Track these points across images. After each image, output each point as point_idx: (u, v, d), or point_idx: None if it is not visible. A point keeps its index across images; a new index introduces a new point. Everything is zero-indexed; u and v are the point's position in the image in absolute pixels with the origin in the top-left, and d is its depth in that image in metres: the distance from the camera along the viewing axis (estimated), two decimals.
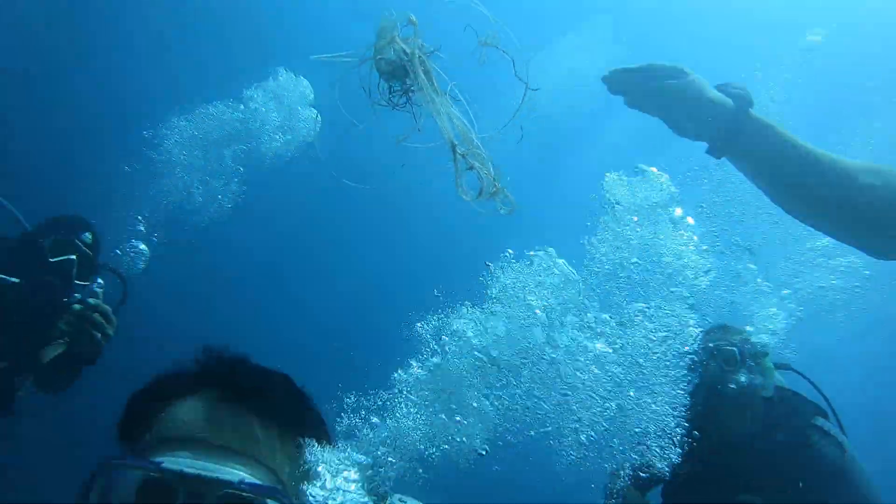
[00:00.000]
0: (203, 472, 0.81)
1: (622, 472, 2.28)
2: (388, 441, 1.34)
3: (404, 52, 1.00)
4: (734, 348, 2.55)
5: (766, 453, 2.44)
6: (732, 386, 2.47)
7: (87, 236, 3.18)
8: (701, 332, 2.48)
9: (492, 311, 1.74)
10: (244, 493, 0.81)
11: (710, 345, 2.57)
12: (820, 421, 2.49)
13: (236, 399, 0.94)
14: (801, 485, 2.36)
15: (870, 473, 2.41)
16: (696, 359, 2.27)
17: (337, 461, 1.05)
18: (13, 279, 2.93)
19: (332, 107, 1.16)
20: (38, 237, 3.11)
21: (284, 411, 0.98)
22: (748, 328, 2.83)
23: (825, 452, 2.38)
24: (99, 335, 2.92)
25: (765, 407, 2.51)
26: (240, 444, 0.88)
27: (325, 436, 1.05)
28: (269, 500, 0.83)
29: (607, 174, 2.07)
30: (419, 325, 1.71)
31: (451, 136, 0.99)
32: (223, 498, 0.81)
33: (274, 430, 0.94)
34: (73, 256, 3.11)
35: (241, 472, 0.85)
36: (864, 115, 6.65)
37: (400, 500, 1.21)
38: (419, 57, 1.00)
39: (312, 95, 5.76)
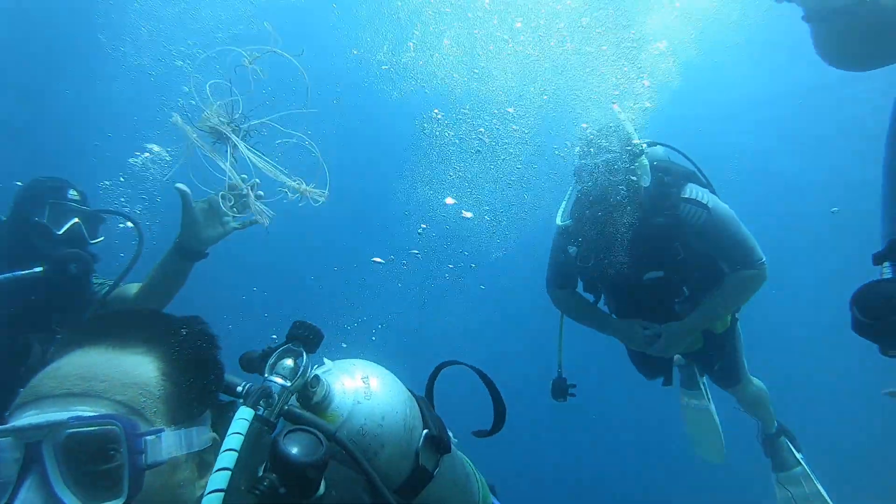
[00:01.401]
0: (34, 421, 0.83)
1: None
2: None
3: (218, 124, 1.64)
4: (613, 157, 2.81)
5: (651, 236, 2.90)
6: (619, 195, 2.80)
7: (73, 193, 2.86)
8: (581, 140, 2.92)
9: None
10: (81, 429, 0.82)
11: (589, 161, 2.84)
12: (687, 190, 2.87)
13: (87, 343, 0.95)
14: (682, 252, 2.95)
15: (733, 215, 2.91)
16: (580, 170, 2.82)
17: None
18: (35, 269, 2.56)
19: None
20: (27, 216, 2.75)
21: (143, 343, 0.97)
22: (620, 118, 2.99)
23: (694, 220, 2.86)
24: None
25: (643, 195, 2.83)
26: (82, 387, 0.88)
27: (216, 370, 1.05)
28: (113, 428, 0.83)
29: None
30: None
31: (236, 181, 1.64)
32: (69, 441, 0.82)
33: (128, 366, 0.93)
34: (76, 219, 2.82)
35: (80, 411, 0.85)
36: None
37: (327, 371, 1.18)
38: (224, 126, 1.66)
39: None
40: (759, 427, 3.87)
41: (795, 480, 3.61)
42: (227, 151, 1.73)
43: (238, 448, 0.88)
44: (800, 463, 3.64)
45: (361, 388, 1.14)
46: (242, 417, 0.92)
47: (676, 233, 2.92)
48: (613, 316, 3.39)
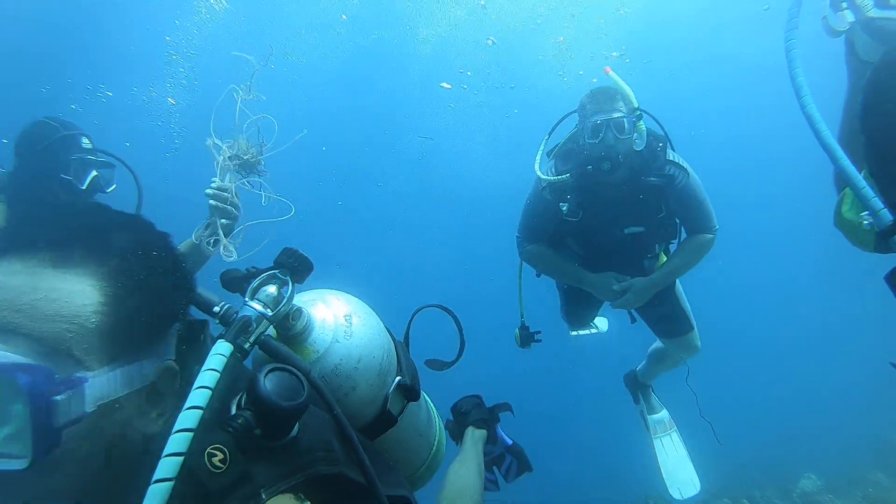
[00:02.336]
0: None
1: None
2: None
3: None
4: (624, 117, 2.94)
5: (642, 193, 3.11)
6: (629, 151, 2.97)
7: (86, 141, 2.78)
8: (583, 98, 3.03)
9: None
10: None
11: (600, 117, 2.94)
12: (670, 154, 3.07)
13: (10, 257, 0.78)
14: (664, 210, 3.19)
15: (700, 183, 3.16)
16: (591, 126, 2.92)
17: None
18: None
19: None
20: (50, 171, 2.63)
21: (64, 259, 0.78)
22: (622, 83, 3.14)
23: (678, 181, 3.09)
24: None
25: (636, 157, 3.01)
26: None
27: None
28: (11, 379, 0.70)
29: None
30: None
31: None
32: None
33: (58, 290, 0.76)
34: (95, 172, 2.77)
35: None
36: None
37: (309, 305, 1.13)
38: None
39: None
40: (635, 377, 4.28)
41: (662, 422, 4.16)
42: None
43: (213, 386, 0.81)
44: (664, 408, 4.20)
45: (343, 326, 1.12)
46: (220, 353, 0.85)
47: (664, 192, 3.11)
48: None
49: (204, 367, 0.83)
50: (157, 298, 0.85)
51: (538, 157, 3.30)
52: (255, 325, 0.94)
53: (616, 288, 3.30)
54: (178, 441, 0.75)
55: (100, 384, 0.76)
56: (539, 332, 3.54)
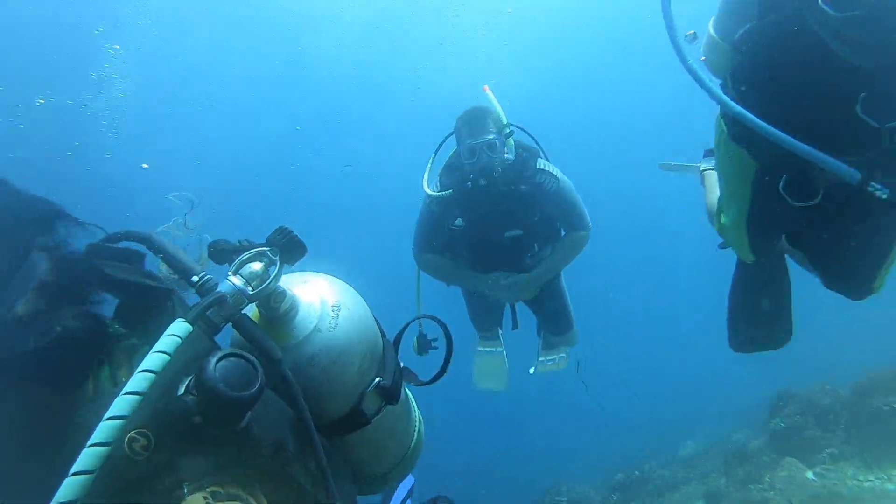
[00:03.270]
0: None
1: None
2: None
3: None
4: (496, 137, 3.38)
5: (515, 201, 3.50)
6: (500, 167, 3.37)
7: None
8: (458, 121, 3.45)
9: None
10: None
11: (474, 141, 3.36)
12: (541, 163, 3.53)
13: None
14: (538, 214, 3.54)
15: (572, 185, 3.59)
16: (468, 148, 3.34)
17: None
18: None
19: None
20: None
21: None
22: (493, 105, 3.57)
23: (548, 187, 3.51)
24: None
25: (509, 167, 3.43)
26: None
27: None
28: None
29: None
30: None
31: None
32: None
33: None
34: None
35: None
36: None
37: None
38: None
39: None
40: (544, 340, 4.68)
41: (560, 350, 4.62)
42: None
43: (159, 370, 0.76)
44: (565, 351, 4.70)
45: (329, 315, 1.04)
46: (174, 334, 0.81)
47: (535, 198, 3.52)
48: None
49: (153, 349, 0.78)
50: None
51: (425, 175, 3.65)
52: (231, 302, 0.90)
53: (504, 283, 3.69)
54: (107, 430, 0.69)
55: None
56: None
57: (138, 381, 0.73)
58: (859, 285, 2.17)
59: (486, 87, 3.65)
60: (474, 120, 3.45)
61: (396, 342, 1.30)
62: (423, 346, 3.80)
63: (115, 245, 0.97)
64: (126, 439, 0.71)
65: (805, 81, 1.58)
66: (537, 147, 3.70)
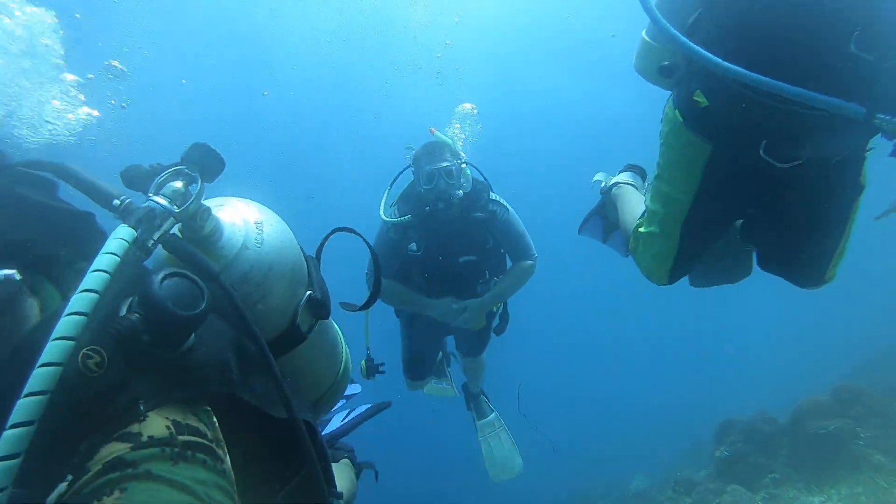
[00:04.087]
0: None
1: None
2: None
3: None
4: (452, 165, 3.55)
5: (470, 227, 3.66)
6: (459, 192, 3.55)
7: None
8: (417, 152, 3.60)
9: None
10: None
11: (432, 167, 3.52)
12: (492, 195, 3.74)
13: None
14: (490, 241, 3.73)
15: (518, 218, 3.81)
16: (426, 173, 3.50)
17: None
18: None
19: None
20: None
21: None
22: (448, 139, 3.82)
23: (500, 216, 3.73)
24: None
25: (465, 197, 3.60)
26: None
27: None
28: None
29: None
30: None
31: None
32: None
33: None
34: None
35: None
36: None
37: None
38: None
39: None
40: (467, 388, 4.98)
41: (490, 424, 4.92)
42: None
43: (112, 271, 0.74)
44: (493, 411, 4.96)
45: (254, 232, 1.03)
46: (121, 237, 0.79)
47: (488, 225, 3.71)
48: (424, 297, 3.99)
49: (101, 251, 0.76)
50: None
51: (382, 204, 3.76)
52: (159, 221, 0.86)
53: (455, 307, 3.80)
54: (56, 350, 0.67)
55: None
56: (383, 364, 3.88)
57: (82, 300, 0.71)
58: (813, 272, 2.12)
59: (433, 129, 3.89)
60: (433, 148, 3.63)
61: (317, 257, 1.29)
62: (371, 370, 3.82)
63: (26, 170, 0.91)
64: (80, 356, 0.69)
65: (790, 23, 1.50)
66: (487, 182, 3.88)
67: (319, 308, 1.12)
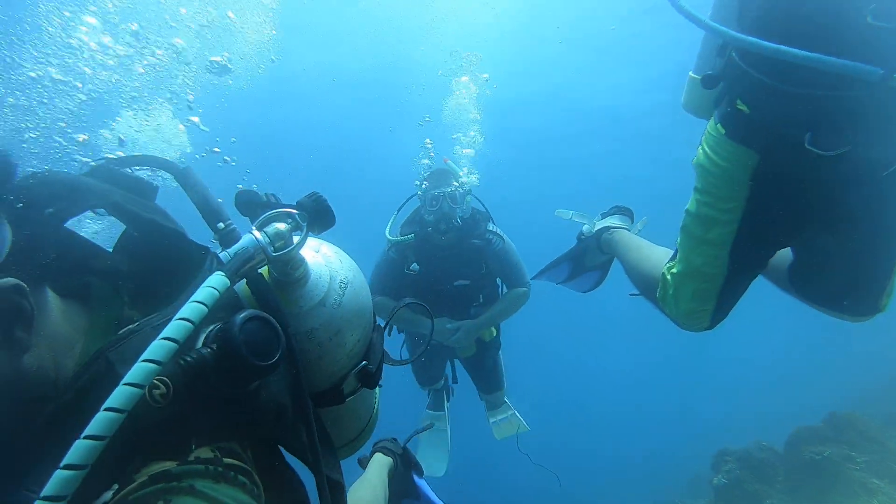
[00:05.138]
0: None
1: None
2: None
3: None
4: (456, 191, 3.79)
5: (466, 252, 3.86)
6: (459, 216, 3.81)
7: None
8: (423, 179, 3.86)
9: None
10: None
11: (437, 191, 3.76)
12: (490, 226, 3.94)
13: None
14: (484, 267, 3.91)
15: (514, 247, 3.99)
16: (431, 196, 3.73)
17: None
18: None
19: None
20: None
21: None
22: (455, 167, 4.09)
23: (496, 245, 3.92)
24: None
25: (464, 223, 3.83)
26: None
27: None
28: None
29: None
30: None
31: None
32: None
33: None
34: None
35: None
36: None
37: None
38: None
39: None
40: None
41: (504, 409, 4.80)
42: None
43: (197, 321, 0.73)
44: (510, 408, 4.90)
45: (336, 292, 1.02)
46: (213, 286, 0.78)
47: (483, 252, 3.93)
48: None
49: (192, 298, 0.75)
50: None
51: (389, 225, 4.01)
52: (251, 256, 0.87)
53: (449, 327, 3.97)
54: (141, 372, 0.67)
55: None
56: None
57: (177, 328, 0.71)
58: (867, 298, 1.92)
59: (447, 159, 4.20)
60: (439, 174, 3.91)
61: (388, 328, 1.28)
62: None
63: (125, 170, 0.92)
64: (148, 385, 0.69)
65: (809, 5, 1.55)
66: (487, 213, 4.12)
67: (368, 380, 1.11)
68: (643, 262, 2.42)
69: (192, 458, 0.70)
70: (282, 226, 0.90)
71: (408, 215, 4.07)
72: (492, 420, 4.79)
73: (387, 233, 3.96)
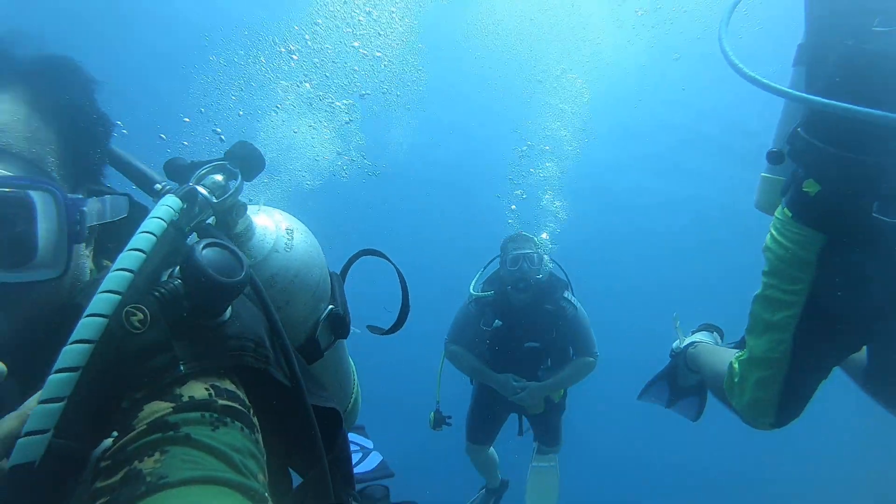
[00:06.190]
0: None
1: None
2: None
3: None
4: (535, 253, 4.08)
5: (539, 315, 4.18)
6: (539, 276, 4.09)
7: None
8: (505, 240, 4.16)
9: None
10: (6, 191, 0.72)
11: (519, 251, 4.06)
12: (567, 293, 4.18)
13: None
14: (555, 333, 4.09)
15: (587, 317, 4.23)
16: (512, 257, 4.02)
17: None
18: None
19: None
20: None
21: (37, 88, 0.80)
22: (535, 236, 4.32)
23: (568, 312, 4.18)
24: None
25: (540, 285, 4.07)
26: None
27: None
28: (31, 192, 0.74)
29: None
30: None
31: None
32: None
33: (25, 115, 0.78)
34: None
35: None
36: None
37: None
38: None
39: None
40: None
41: (550, 458, 5.02)
42: None
43: (158, 233, 0.76)
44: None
45: (284, 237, 1.05)
46: (168, 204, 0.81)
47: (555, 318, 4.17)
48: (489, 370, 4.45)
49: (150, 215, 0.78)
50: (93, 130, 0.88)
51: (473, 282, 4.36)
52: (197, 209, 0.88)
53: (516, 385, 4.19)
54: (102, 302, 0.68)
55: (88, 207, 0.82)
56: (450, 417, 4.39)
57: (128, 258, 0.73)
58: None
59: (523, 232, 4.50)
60: (520, 238, 4.25)
61: (343, 275, 1.28)
62: (439, 421, 4.36)
63: None
64: (123, 312, 0.71)
65: (869, 76, 1.59)
66: (567, 281, 4.37)
67: (340, 324, 1.12)
68: (717, 364, 2.31)
69: (186, 398, 0.71)
70: (218, 176, 0.94)
71: (491, 274, 4.40)
72: (534, 463, 5.03)
73: (471, 288, 4.31)
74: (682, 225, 15.45)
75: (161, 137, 8.20)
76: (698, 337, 2.80)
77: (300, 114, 7.47)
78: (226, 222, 0.96)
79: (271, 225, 1.06)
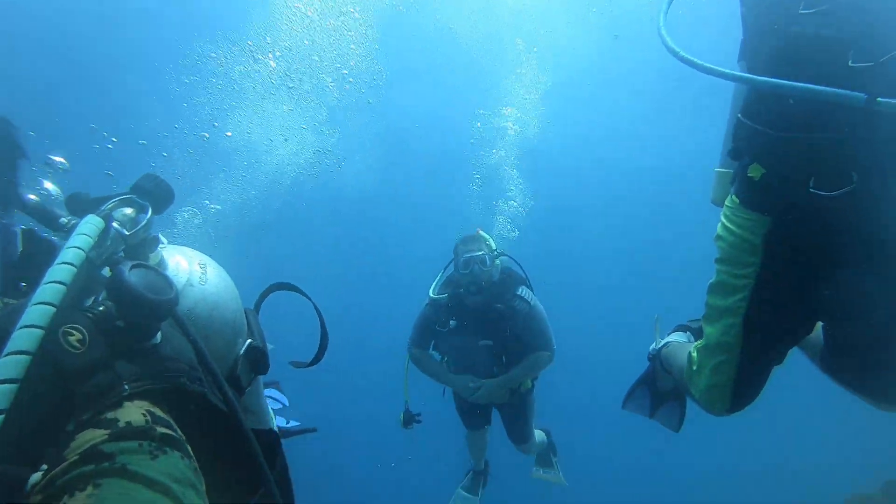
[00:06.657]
0: None
1: None
2: None
3: None
4: (486, 255, 4.06)
5: (491, 315, 4.16)
6: (488, 279, 4.05)
7: None
8: (457, 243, 4.14)
9: None
10: None
11: (469, 255, 4.03)
12: (520, 290, 4.18)
13: None
14: (509, 331, 4.19)
15: (544, 312, 4.24)
16: (463, 260, 4.00)
17: None
18: None
19: None
20: None
21: None
22: (487, 236, 4.32)
23: (520, 310, 4.15)
24: None
25: (493, 285, 4.10)
26: None
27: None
28: None
29: None
30: None
31: None
32: None
33: None
34: None
35: None
36: None
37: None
38: None
39: None
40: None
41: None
42: None
43: (86, 249, 0.76)
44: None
45: (197, 271, 1.03)
46: (91, 223, 0.79)
47: (506, 317, 4.18)
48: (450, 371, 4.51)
49: (74, 234, 0.77)
50: None
51: (433, 284, 4.36)
52: (109, 242, 0.85)
53: (471, 385, 4.28)
54: (37, 313, 0.66)
55: None
56: (419, 414, 4.44)
57: (61, 271, 0.72)
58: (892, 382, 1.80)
59: (479, 229, 4.51)
60: (470, 239, 4.24)
61: (257, 308, 1.26)
62: (408, 420, 4.42)
63: None
64: (60, 332, 0.70)
65: (799, 56, 1.67)
66: (524, 276, 4.37)
67: (260, 358, 1.09)
68: (681, 358, 2.32)
69: (122, 424, 0.67)
70: (127, 210, 0.92)
71: (449, 275, 4.40)
72: (535, 476, 5.20)
73: (430, 290, 4.32)
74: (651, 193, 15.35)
75: (141, 143, 8.29)
76: (672, 338, 2.81)
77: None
78: (136, 257, 0.91)
79: (183, 260, 1.05)
